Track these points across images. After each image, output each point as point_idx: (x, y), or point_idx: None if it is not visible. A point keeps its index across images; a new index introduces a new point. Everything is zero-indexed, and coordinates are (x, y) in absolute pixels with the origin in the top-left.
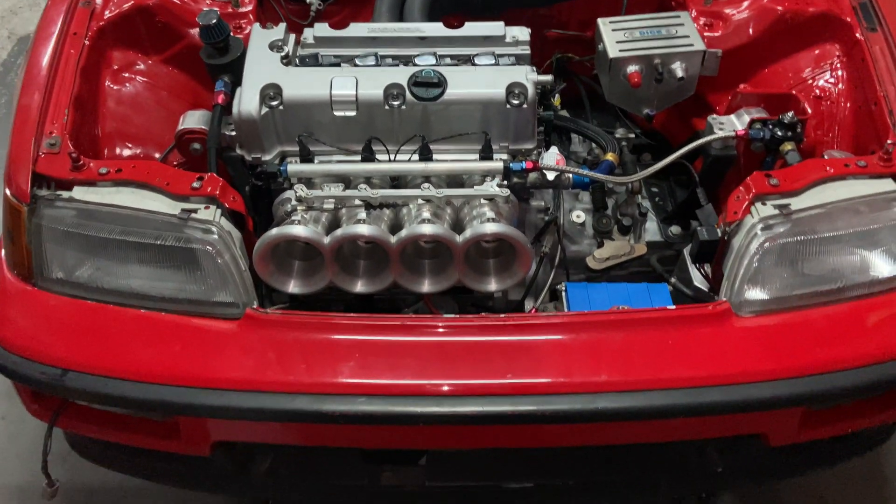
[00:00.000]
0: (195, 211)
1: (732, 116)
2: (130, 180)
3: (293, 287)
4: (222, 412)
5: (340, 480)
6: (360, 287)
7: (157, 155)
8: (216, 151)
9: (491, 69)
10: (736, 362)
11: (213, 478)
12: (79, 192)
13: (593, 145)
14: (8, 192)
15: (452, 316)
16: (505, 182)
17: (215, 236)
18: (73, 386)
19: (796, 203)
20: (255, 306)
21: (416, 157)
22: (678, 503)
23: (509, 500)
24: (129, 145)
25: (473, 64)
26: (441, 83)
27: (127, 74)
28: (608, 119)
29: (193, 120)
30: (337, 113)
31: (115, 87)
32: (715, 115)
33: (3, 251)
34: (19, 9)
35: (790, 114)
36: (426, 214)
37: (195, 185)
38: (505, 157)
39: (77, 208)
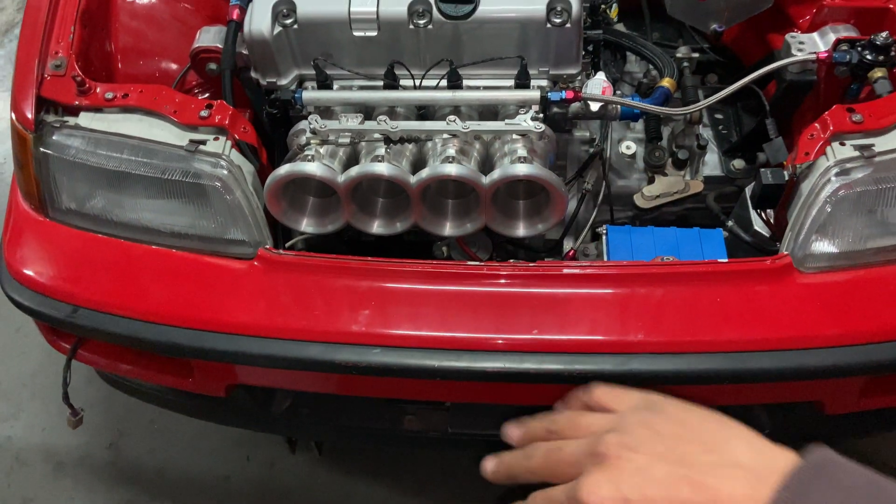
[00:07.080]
0: (203, 143)
1: (815, 35)
2: (137, 107)
3: (306, 226)
4: (231, 357)
5: (363, 424)
6: (377, 228)
7: (174, 66)
8: (232, 73)
9: None
10: (794, 325)
11: (232, 414)
12: (84, 119)
13: (650, 66)
14: (14, 117)
15: (476, 264)
16: (541, 114)
17: (224, 171)
18: (85, 324)
19: (881, 143)
20: (267, 246)
21: (444, 83)
22: None
23: None
24: (145, 63)
25: None
26: None
27: None
28: (671, 32)
29: (209, 37)
30: (356, 33)
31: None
32: (794, 33)
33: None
34: None
35: (884, 34)
36: (451, 152)
37: (203, 113)
38: (544, 83)
39: (83, 136)
